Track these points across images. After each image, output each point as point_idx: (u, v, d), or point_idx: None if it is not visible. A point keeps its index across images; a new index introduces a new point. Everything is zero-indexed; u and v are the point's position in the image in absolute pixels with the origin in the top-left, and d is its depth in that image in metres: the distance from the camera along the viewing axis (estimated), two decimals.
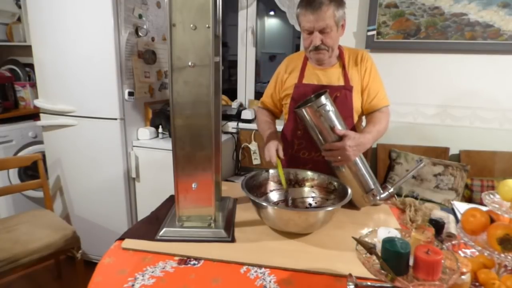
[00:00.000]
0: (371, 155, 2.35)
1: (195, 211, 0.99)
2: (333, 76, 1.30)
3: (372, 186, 1.16)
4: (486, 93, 2.17)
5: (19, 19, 2.72)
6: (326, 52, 1.24)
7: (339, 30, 1.25)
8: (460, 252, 0.97)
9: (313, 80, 1.32)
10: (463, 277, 0.70)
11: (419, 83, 2.26)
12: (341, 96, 1.27)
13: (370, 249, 0.67)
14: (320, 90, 1.24)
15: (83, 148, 2.03)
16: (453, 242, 0.99)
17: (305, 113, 1.13)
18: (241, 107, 2.64)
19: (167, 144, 2.03)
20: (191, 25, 0.87)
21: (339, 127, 1.12)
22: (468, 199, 2.10)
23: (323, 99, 1.10)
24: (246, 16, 2.62)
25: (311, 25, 1.18)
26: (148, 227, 1.03)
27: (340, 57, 1.32)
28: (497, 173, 2.15)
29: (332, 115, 1.12)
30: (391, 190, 1.16)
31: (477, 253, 0.81)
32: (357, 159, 1.15)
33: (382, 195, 1.15)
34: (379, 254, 0.65)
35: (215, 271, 0.85)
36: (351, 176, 1.16)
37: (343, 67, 1.30)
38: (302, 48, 1.36)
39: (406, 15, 2.14)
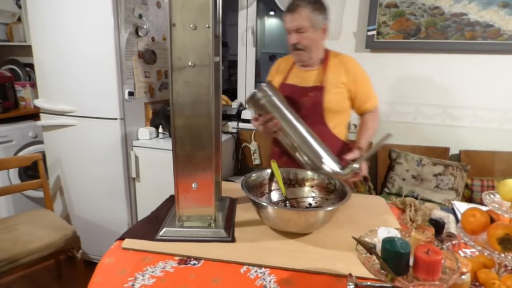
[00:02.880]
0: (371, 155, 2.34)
1: (195, 211, 0.99)
2: (311, 78, 1.39)
3: (321, 162, 1.25)
4: (486, 93, 2.17)
5: (19, 19, 2.72)
6: (304, 53, 1.34)
7: (318, 33, 1.33)
8: (460, 252, 0.97)
9: (295, 81, 1.42)
10: (463, 277, 0.70)
11: (419, 83, 2.26)
12: (313, 95, 1.36)
13: (370, 249, 0.67)
14: (299, 91, 1.38)
15: (83, 148, 2.03)
16: (453, 242, 0.99)
17: (251, 105, 1.29)
18: (241, 107, 2.64)
19: (167, 144, 2.03)
20: (191, 25, 0.87)
21: (287, 113, 1.27)
22: (468, 199, 2.10)
23: (257, 91, 1.25)
24: (246, 16, 2.62)
25: (288, 25, 1.31)
26: (148, 227, 1.03)
27: (324, 61, 1.40)
28: (497, 173, 2.15)
29: (275, 102, 1.26)
30: (354, 165, 1.22)
31: (477, 253, 0.81)
32: (309, 139, 1.27)
33: (343, 171, 1.23)
34: (379, 254, 0.65)
35: (215, 271, 0.85)
36: (300, 157, 1.29)
37: (324, 69, 1.38)
38: None
39: (406, 15, 2.14)
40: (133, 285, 0.79)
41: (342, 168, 1.24)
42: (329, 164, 1.24)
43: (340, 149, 1.38)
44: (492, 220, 0.80)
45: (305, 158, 1.28)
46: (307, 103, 1.37)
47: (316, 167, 1.25)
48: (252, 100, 1.27)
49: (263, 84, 1.25)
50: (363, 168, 1.25)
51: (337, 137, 1.42)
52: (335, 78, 1.36)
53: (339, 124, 1.43)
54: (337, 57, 1.41)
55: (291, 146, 1.31)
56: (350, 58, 1.42)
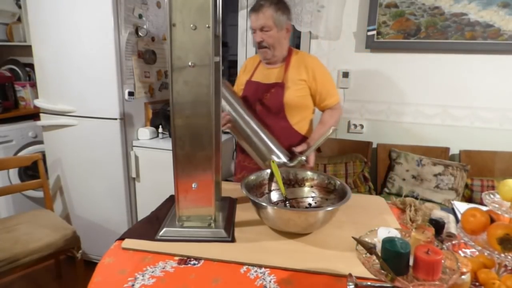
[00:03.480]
0: (371, 155, 2.35)
1: (195, 211, 0.99)
2: (273, 75, 1.47)
3: (270, 153, 1.31)
4: (486, 93, 2.17)
5: (19, 19, 2.72)
6: (268, 50, 1.41)
7: (282, 32, 1.41)
8: (460, 252, 0.97)
9: (259, 78, 1.49)
10: (463, 277, 0.70)
11: (419, 83, 2.26)
12: (275, 92, 1.43)
13: (370, 249, 0.67)
14: (262, 87, 1.45)
15: (83, 148, 2.03)
16: (453, 242, 0.99)
17: None
18: None
19: (167, 144, 2.03)
20: (191, 25, 0.87)
21: (237, 107, 1.35)
22: (468, 199, 2.10)
23: None
24: (246, 16, 2.62)
25: (253, 24, 1.38)
26: (148, 227, 1.03)
27: (286, 59, 1.47)
28: (497, 173, 2.15)
29: (225, 95, 1.33)
30: (301, 158, 1.29)
31: (477, 253, 0.81)
32: (259, 132, 1.34)
33: (291, 163, 1.29)
34: (379, 254, 0.65)
35: (215, 271, 0.85)
36: (249, 148, 1.36)
37: (286, 66, 1.45)
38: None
39: (406, 15, 2.14)
40: (133, 285, 0.79)
41: (290, 160, 1.31)
42: (278, 156, 1.31)
43: (299, 144, 1.42)
44: (492, 220, 0.80)
45: (255, 149, 1.34)
46: (269, 99, 1.44)
47: (266, 158, 1.32)
48: None
49: None
50: (310, 159, 1.35)
51: (299, 132, 1.49)
52: (295, 75, 1.43)
53: (302, 120, 1.49)
54: (298, 55, 1.48)
55: (242, 138, 1.37)
56: (311, 56, 1.51)
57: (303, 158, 1.30)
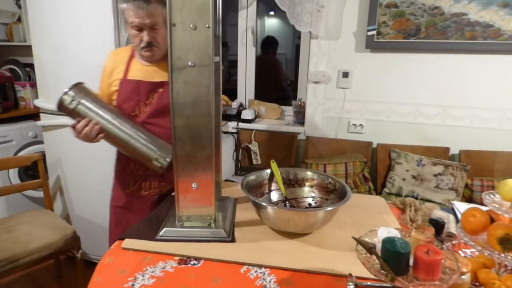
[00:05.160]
0: (371, 155, 2.35)
1: (195, 211, 0.99)
2: (157, 72, 1.32)
3: (155, 155, 1.20)
4: (486, 93, 2.17)
5: (19, 19, 2.72)
6: (157, 50, 1.27)
7: (165, 28, 1.23)
8: (460, 252, 0.97)
9: (139, 76, 1.31)
10: (463, 277, 0.70)
11: (419, 83, 2.26)
12: (164, 91, 1.30)
13: (370, 249, 0.67)
14: (146, 86, 1.29)
15: (83, 148, 2.01)
16: (453, 242, 0.99)
17: (64, 113, 1.19)
18: (241, 107, 2.64)
19: None
20: (191, 25, 0.87)
21: (103, 113, 1.19)
22: (468, 199, 2.10)
23: (63, 96, 1.17)
24: (246, 16, 2.62)
25: (141, 21, 1.19)
26: (148, 227, 1.03)
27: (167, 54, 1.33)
28: (497, 173, 2.15)
29: (88, 104, 1.18)
30: None
31: (477, 253, 0.81)
32: (136, 134, 1.20)
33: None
34: (379, 254, 0.65)
35: (215, 271, 0.85)
36: (132, 153, 1.24)
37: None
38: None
39: (406, 15, 2.14)
40: (133, 285, 0.79)
41: None
42: (163, 155, 1.20)
43: None
44: (492, 220, 0.80)
45: (138, 153, 1.22)
46: (159, 100, 1.30)
47: (149, 161, 1.21)
48: (62, 107, 1.17)
49: (69, 88, 1.19)
50: None
51: None
52: None
53: None
54: None
55: (120, 145, 1.25)
56: None
57: None
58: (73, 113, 1.18)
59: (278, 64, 3.16)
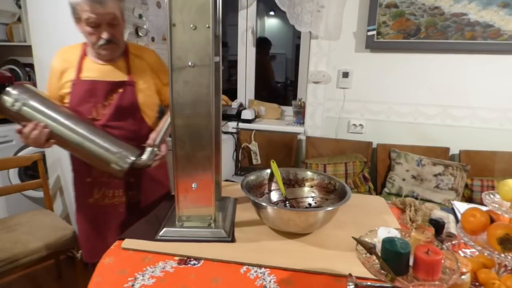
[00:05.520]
0: (371, 155, 2.35)
1: (195, 211, 0.99)
2: (115, 71, 1.22)
3: (113, 158, 1.09)
4: (486, 93, 2.17)
5: (19, 19, 2.72)
6: (117, 47, 1.19)
7: (123, 23, 1.20)
8: (460, 252, 0.97)
9: (94, 75, 1.21)
10: (463, 277, 0.70)
11: (419, 83, 2.26)
12: (123, 92, 1.22)
13: (370, 249, 0.67)
14: (103, 86, 1.20)
15: None
16: (453, 242, 0.99)
17: (6, 116, 1.06)
18: (241, 107, 2.64)
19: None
20: (191, 25, 0.87)
21: (54, 114, 1.07)
22: (468, 199, 2.10)
23: (4, 96, 1.03)
24: (246, 16, 2.62)
25: (99, 17, 1.09)
26: (148, 227, 1.03)
27: (125, 52, 1.25)
28: (497, 173, 2.15)
29: (34, 104, 1.05)
30: (151, 148, 1.13)
31: (477, 253, 0.81)
32: (91, 136, 1.09)
33: (142, 159, 1.12)
34: (379, 254, 0.65)
35: (215, 271, 0.85)
36: (88, 158, 1.12)
37: (127, 62, 1.24)
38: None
39: (406, 15, 2.14)
40: (133, 285, 0.79)
41: (140, 155, 1.13)
42: (123, 157, 1.10)
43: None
44: (492, 220, 0.80)
45: (93, 157, 1.11)
46: (119, 101, 1.21)
47: (107, 165, 1.10)
48: (3, 109, 1.04)
49: (10, 88, 1.05)
50: (162, 148, 1.16)
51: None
52: (140, 71, 1.25)
53: (153, 117, 1.33)
54: (137, 49, 1.30)
55: (73, 150, 1.13)
56: (150, 51, 1.32)
57: (154, 148, 1.13)
58: (18, 117, 1.05)
59: (268, 65, 3.16)
